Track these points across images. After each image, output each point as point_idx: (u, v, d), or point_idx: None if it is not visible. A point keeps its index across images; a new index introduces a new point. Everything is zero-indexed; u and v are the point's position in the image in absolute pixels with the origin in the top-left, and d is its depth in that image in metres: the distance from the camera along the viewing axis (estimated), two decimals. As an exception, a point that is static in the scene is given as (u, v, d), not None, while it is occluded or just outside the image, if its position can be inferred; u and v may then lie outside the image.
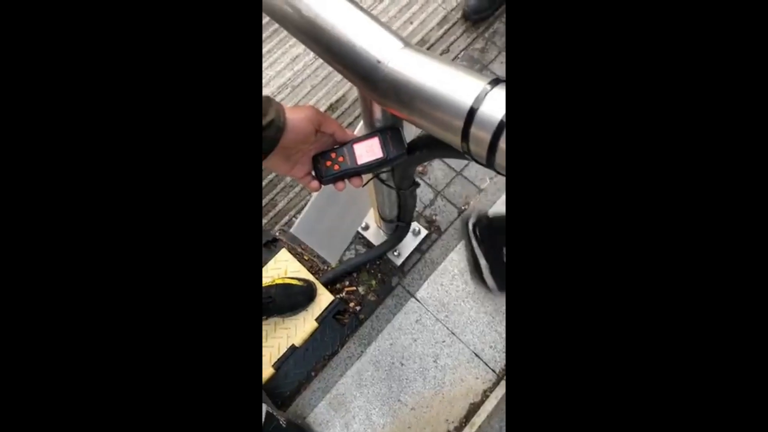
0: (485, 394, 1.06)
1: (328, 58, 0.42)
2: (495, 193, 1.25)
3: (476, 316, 1.12)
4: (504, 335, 1.10)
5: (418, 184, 0.73)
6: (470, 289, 1.14)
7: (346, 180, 0.47)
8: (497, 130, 0.31)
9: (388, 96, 0.38)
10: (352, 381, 1.08)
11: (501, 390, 1.05)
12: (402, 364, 1.09)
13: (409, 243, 1.21)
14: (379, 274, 1.20)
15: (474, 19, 1.43)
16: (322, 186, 0.48)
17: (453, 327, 1.12)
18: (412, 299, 1.15)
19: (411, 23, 1.49)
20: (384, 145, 0.46)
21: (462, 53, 1.43)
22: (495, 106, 0.31)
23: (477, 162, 0.36)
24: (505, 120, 0.30)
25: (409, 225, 1.04)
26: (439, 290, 1.15)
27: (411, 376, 1.08)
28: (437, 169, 1.30)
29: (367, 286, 1.19)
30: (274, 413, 0.96)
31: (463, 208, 1.26)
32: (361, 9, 0.40)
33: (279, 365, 1.07)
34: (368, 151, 0.46)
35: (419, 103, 0.36)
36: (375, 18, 0.40)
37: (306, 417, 1.05)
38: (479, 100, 0.32)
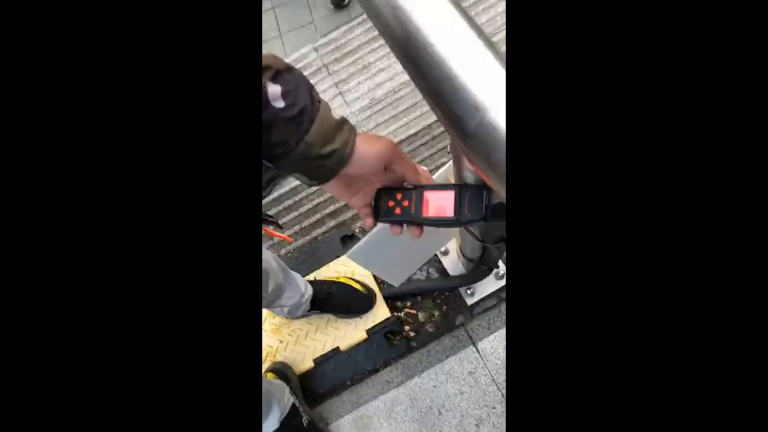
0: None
1: (421, 85, 0.33)
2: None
3: (541, 394, 0.95)
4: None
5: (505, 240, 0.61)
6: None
7: (405, 225, 0.41)
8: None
9: (479, 153, 0.29)
10: (384, 407, 1.01)
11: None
12: (440, 413, 0.98)
13: (489, 284, 1.07)
14: (444, 307, 1.09)
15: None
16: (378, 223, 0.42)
17: (509, 395, 0.96)
18: (472, 347, 1.02)
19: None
20: (458, 204, 0.38)
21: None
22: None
23: None
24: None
25: (491, 271, 0.91)
26: (503, 348, 1.00)
27: (446, 430, 0.96)
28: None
29: (429, 315, 1.09)
30: (300, 409, 0.94)
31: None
32: (477, 30, 0.31)
33: (319, 362, 1.06)
34: (438, 205, 0.38)
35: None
36: (491, 45, 0.30)
37: (330, 424, 1.02)
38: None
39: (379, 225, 0.56)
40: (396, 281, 0.87)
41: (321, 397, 1.06)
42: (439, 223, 0.38)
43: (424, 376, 1.02)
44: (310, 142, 0.34)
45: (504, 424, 0.94)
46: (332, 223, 1.24)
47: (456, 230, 0.84)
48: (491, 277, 1.07)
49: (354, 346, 1.06)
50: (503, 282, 1.06)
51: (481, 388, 0.98)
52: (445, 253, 1.10)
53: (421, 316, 1.10)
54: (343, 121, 0.36)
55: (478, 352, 1.01)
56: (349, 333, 1.07)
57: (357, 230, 1.21)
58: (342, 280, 1.08)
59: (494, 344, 1.01)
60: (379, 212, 0.41)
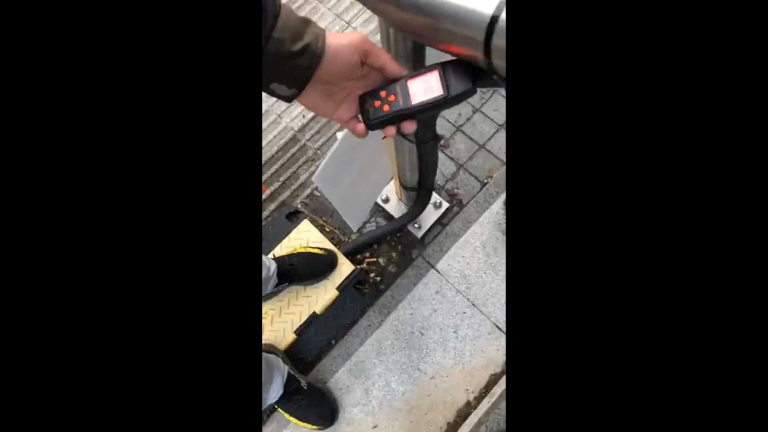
0: (506, 366, 1.04)
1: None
2: (519, 166, 1.21)
3: (498, 288, 1.10)
4: (526, 308, 1.08)
5: (440, 138, 0.71)
6: (492, 261, 1.12)
7: (398, 125, 0.39)
8: (488, 28, 0.29)
9: (407, 17, 0.37)
10: (372, 349, 1.08)
11: (522, 362, 1.02)
12: (422, 334, 1.08)
13: (430, 216, 1.19)
14: (399, 246, 1.19)
15: None
16: (369, 131, 0.40)
17: (474, 299, 1.10)
18: (433, 270, 1.13)
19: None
20: (445, 80, 0.36)
21: None
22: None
23: (503, 79, 0.35)
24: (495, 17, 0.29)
25: (430, 193, 1.03)
26: (459, 262, 1.13)
27: (431, 345, 1.07)
28: (459, 143, 1.28)
29: (388, 258, 1.18)
30: (296, 375, 0.97)
31: (485, 181, 1.23)
32: None
33: (300, 332, 1.09)
34: (425, 88, 0.37)
35: (437, 20, 0.35)
36: None
37: (327, 382, 1.06)
38: (500, 8, 0.31)
39: (337, 142, 0.62)
40: (354, 222, 0.94)
41: (311, 363, 1.09)
42: (431, 105, 0.37)
43: (399, 309, 1.11)
44: (279, 38, 0.33)
45: (478, 323, 1.08)
46: (272, 206, 1.26)
47: (394, 165, 0.93)
48: (431, 209, 1.20)
49: (329, 306, 1.11)
50: (442, 210, 1.19)
51: (450, 301, 1.10)
52: (386, 200, 1.20)
53: (381, 261, 1.18)
54: (309, 20, 0.35)
55: (439, 272, 1.13)
56: (321, 296, 1.11)
57: (299, 205, 1.25)
58: (300, 250, 1.12)
59: (449, 262, 1.14)
60: (368, 116, 0.39)
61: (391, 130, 0.39)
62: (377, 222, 1.22)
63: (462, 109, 1.30)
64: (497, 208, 1.17)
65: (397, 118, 0.38)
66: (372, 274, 1.17)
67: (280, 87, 0.35)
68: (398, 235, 1.19)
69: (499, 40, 0.31)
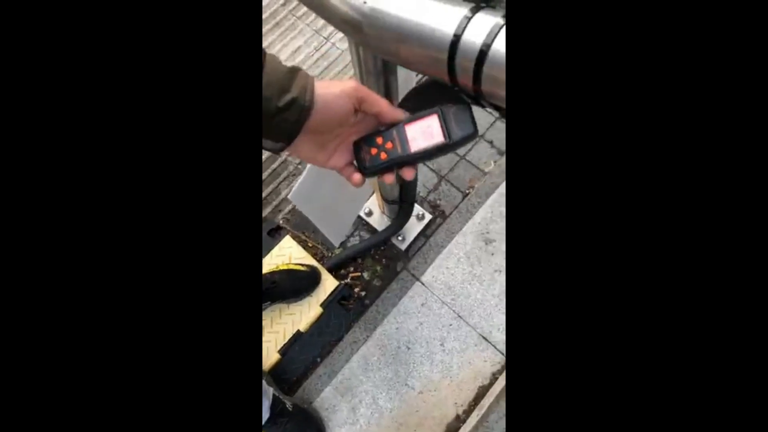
0: (494, 377, 1.03)
1: (312, 5, 0.40)
2: (499, 176, 1.22)
3: (483, 298, 1.10)
4: (512, 317, 1.08)
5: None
6: (476, 271, 1.12)
7: (396, 171, 0.37)
8: (479, 57, 0.29)
9: (375, 38, 0.37)
10: (358, 365, 1.06)
11: (510, 372, 1.02)
12: (408, 348, 1.07)
13: (414, 227, 1.19)
14: (383, 260, 1.18)
15: None
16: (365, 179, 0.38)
17: (459, 310, 1.09)
18: (418, 283, 1.13)
19: None
20: (445, 125, 0.34)
21: None
22: (476, 32, 0.30)
23: (470, 98, 0.35)
24: (487, 46, 0.29)
25: (412, 206, 1.02)
26: (444, 273, 1.13)
27: (418, 359, 1.06)
28: (440, 154, 1.29)
29: (372, 272, 1.17)
30: (281, 397, 0.95)
31: (467, 191, 1.24)
32: None
33: (285, 351, 1.06)
34: (425, 133, 0.34)
35: (403, 42, 0.35)
36: None
37: (312, 402, 1.03)
38: (460, 28, 0.31)
39: (309, 164, 0.61)
40: (335, 237, 0.93)
41: (296, 383, 1.06)
42: (432, 152, 0.35)
43: (384, 323, 1.09)
44: (264, 96, 0.31)
45: (465, 334, 1.07)
46: (254, 222, 1.24)
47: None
48: (414, 221, 1.19)
49: (314, 323, 1.09)
50: (425, 222, 1.19)
51: (435, 313, 1.09)
52: (369, 214, 1.19)
53: (366, 275, 1.17)
54: (296, 68, 0.33)
55: (424, 285, 1.12)
56: (304, 313, 1.09)
57: (281, 221, 1.23)
58: (282, 267, 1.10)
59: (434, 273, 1.13)
60: (364, 164, 0.36)
61: (390, 177, 0.37)
62: (361, 236, 1.21)
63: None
64: (479, 218, 1.18)
65: (395, 164, 0.36)
66: (356, 289, 1.15)
67: (266, 141, 0.34)
68: (382, 248, 1.18)
69: (462, 60, 0.31)
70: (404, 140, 0.35)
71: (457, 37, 0.31)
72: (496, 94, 0.31)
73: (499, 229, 1.14)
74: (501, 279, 1.11)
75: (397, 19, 0.34)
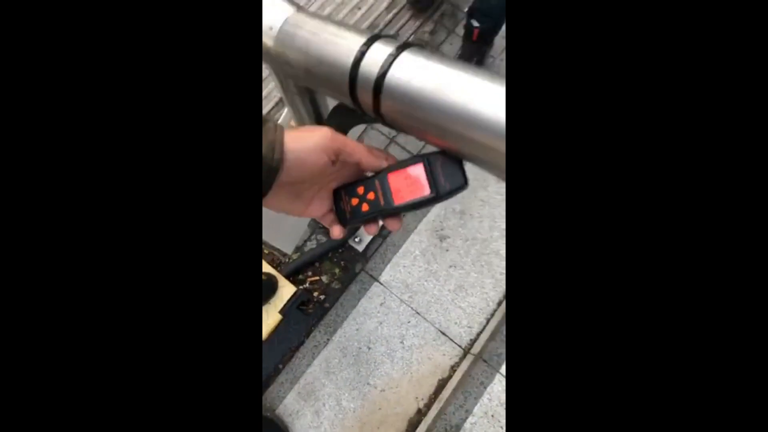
0: (452, 369, 1.06)
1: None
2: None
3: (439, 294, 1.13)
4: (467, 310, 1.11)
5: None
6: (432, 268, 1.15)
7: (380, 221, 0.34)
8: (377, 84, 0.30)
9: (283, 64, 0.37)
10: (320, 369, 1.07)
11: (467, 363, 1.06)
12: (369, 348, 1.08)
13: (370, 228, 1.20)
14: (342, 262, 1.18)
15: (418, 7, 1.42)
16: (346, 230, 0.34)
17: (417, 307, 1.12)
18: (376, 283, 1.14)
19: (359, 8, 1.46)
20: (431, 176, 0.31)
21: (412, 36, 1.42)
22: (371, 62, 0.30)
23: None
24: (383, 74, 0.29)
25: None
26: (401, 272, 1.15)
27: (379, 358, 1.07)
28: (394, 152, 1.30)
29: (331, 275, 1.17)
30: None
31: (421, 189, 1.26)
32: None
33: (245, 361, 1.05)
34: (409, 185, 0.32)
35: (311, 71, 0.35)
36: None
37: (275, 409, 1.03)
38: (359, 58, 0.31)
39: None
40: (287, 246, 0.92)
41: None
42: (418, 204, 0.32)
43: (344, 325, 1.10)
44: None
45: (423, 330, 1.09)
46: (208, 232, 1.21)
47: None
48: (370, 222, 1.20)
49: (273, 331, 1.08)
50: (381, 222, 1.20)
51: (394, 312, 1.11)
52: (325, 217, 1.19)
53: (324, 278, 1.17)
54: (265, 119, 0.29)
55: (382, 284, 1.14)
56: (263, 322, 1.08)
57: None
58: (238, 276, 1.08)
59: (391, 273, 1.15)
60: (344, 216, 0.33)
61: (374, 228, 0.34)
62: (318, 239, 1.20)
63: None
64: (433, 215, 1.20)
65: (378, 217, 0.33)
66: (316, 293, 1.15)
67: None
68: (340, 251, 1.19)
69: (361, 90, 0.31)
70: (387, 191, 0.33)
71: (355, 70, 0.31)
72: (398, 122, 0.32)
73: (452, 225, 1.17)
74: (456, 274, 1.14)
75: (300, 52, 0.34)
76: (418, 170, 0.32)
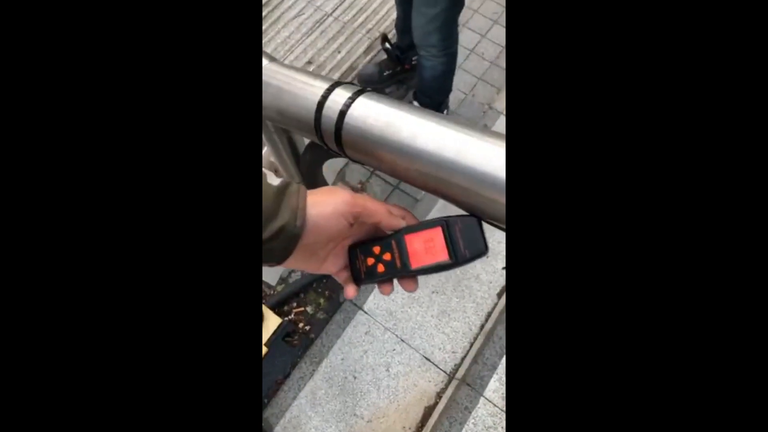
0: (438, 396, 1.06)
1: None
2: (429, 202, 1.30)
3: (423, 320, 1.14)
4: (451, 335, 1.13)
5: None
6: (415, 295, 1.17)
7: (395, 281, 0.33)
8: (338, 124, 0.34)
9: (262, 108, 0.41)
10: (306, 401, 1.05)
11: (452, 389, 1.06)
12: (355, 377, 1.08)
13: (354, 258, 1.22)
14: (326, 292, 1.20)
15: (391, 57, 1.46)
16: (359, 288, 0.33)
17: (402, 334, 1.13)
18: (360, 312, 1.15)
19: (339, 52, 1.56)
20: (450, 242, 0.30)
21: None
22: (333, 104, 0.35)
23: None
24: (342, 114, 0.34)
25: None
26: (385, 300, 1.16)
27: (365, 388, 1.07)
28: (375, 185, 1.34)
29: (316, 305, 1.18)
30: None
31: (402, 218, 1.30)
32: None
33: (230, 396, 1.04)
34: (428, 248, 0.31)
35: (284, 113, 0.39)
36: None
37: (261, 446, 1.01)
38: (322, 102, 0.36)
39: None
40: (271, 277, 0.94)
41: (244, 428, 1.04)
42: (435, 269, 0.31)
43: (330, 356, 1.10)
44: None
45: (408, 357, 1.10)
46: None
47: None
48: (354, 251, 1.23)
49: (258, 364, 1.08)
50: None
51: (380, 340, 1.12)
52: (309, 248, 1.22)
53: (309, 309, 1.18)
54: (284, 186, 0.29)
55: (366, 313, 1.15)
56: (248, 355, 1.07)
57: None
58: (222, 310, 1.09)
59: (376, 301, 1.16)
60: (359, 275, 0.32)
61: (389, 288, 0.33)
62: (302, 271, 1.22)
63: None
64: (414, 243, 1.24)
65: (394, 278, 0.32)
66: (301, 324, 1.15)
67: None
68: (324, 281, 1.20)
69: (325, 129, 0.36)
70: (404, 254, 0.31)
71: (319, 112, 0.36)
72: (357, 156, 0.36)
73: (433, 252, 1.21)
74: (438, 300, 1.16)
75: (274, 98, 0.39)
76: (435, 234, 0.31)
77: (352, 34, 1.59)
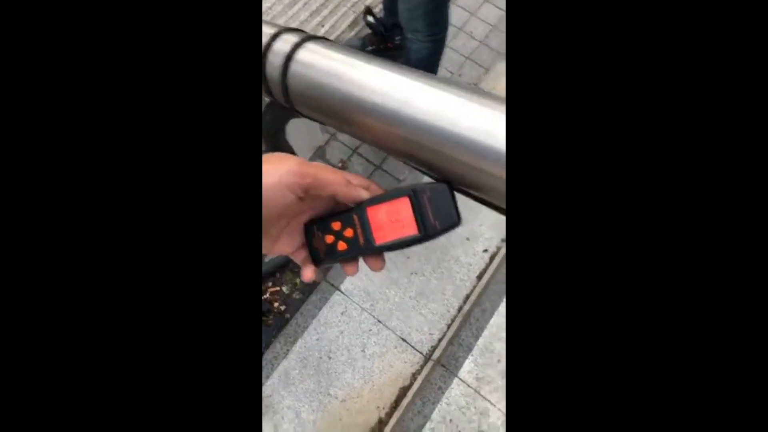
0: (414, 377, 1.06)
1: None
2: (412, 182, 1.27)
3: (401, 301, 1.13)
4: (428, 317, 1.12)
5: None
6: (393, 275, 1.15)
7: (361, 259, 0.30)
8: (282, 71, 0.31)
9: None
10: (279, 381, 1.04)
11: (428, 370, 1.05)
12: (330, 358, 1.07)
13: (332, 237, 1.20)
14: (303, 272, 1.18)
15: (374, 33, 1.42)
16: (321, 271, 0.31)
17: (379, 315, 1.11)
18: (337, 292, 1.13)
19: (323, 26, 1.51)
20: (419, 213, 0.27)
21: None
22: (278, 50, 0.32)
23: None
24: (288, 59, 0.31)
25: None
26: (363, 280, 1.14)
27: (340, 368, 1.06)
28: (357, 164, 1.31)
29: (292, 285, 1.16)
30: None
31: (383, 199, 1.27)
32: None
33: (201, 375, 1.02)
34: (393, 221, 0.28)
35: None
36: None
37: (232, 425, 0.99)
38: (267, 48, 0.33)
39: None
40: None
41: (215, 407, 1.02)
42: (403, 244, 0.28)
43: (305, 335, 1.08)
44: None
45: (384, 338, 1.09)
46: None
47: None
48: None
49: (231, 343, 1.05)
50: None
51: (356, 321, 1.11)
52: (287, 227, 1.19)
53: (285, 289, 1.15)
54: None
55: (343, 293, 1.13)
56: (221, 334, 1.05)
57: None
58: (194, 288, 1.06)
59: (353, 282, 1.14)
60: (318, 255, 0.29)
61: (353, 268, 0.29)
62: (279, 249, 1.19)
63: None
64: (395, 224, 1.22)
65: (357, 257, 0.29)
66: (276, 304, 1.13)
67: None
68: (301, 260, 1.18)
69: (271, 77, 0.33)
70: (367, 229, 0.28)
71: (265, 57, 0.32)
72: (304, 109, 0.33)
73: (413, 233, 1.19)
74: (417, 281, 1.15)
75: None
76: (402, 205, 0.28)
77: (337, 7, 1.53)
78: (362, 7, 1.50)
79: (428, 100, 0.26)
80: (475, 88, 0.27)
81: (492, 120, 0.24)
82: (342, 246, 0.28)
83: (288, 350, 1.06)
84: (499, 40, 1.51)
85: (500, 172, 0.23)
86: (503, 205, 0.25)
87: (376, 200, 0.28)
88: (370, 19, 1.35)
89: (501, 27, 1.52)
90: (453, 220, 0.27)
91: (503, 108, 0.24)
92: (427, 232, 0.27)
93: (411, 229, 0.27)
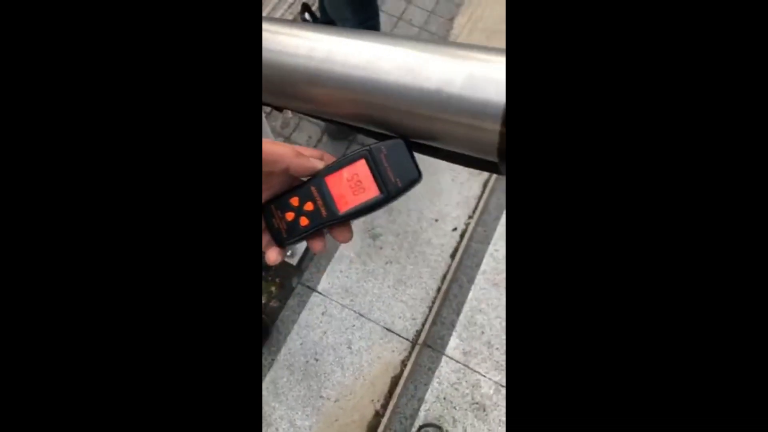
0: (403, 364, 1.06)
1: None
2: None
3: (380, 292, 1.13)
4: (409, 303, 1.12)
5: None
6: (369, 268, 1.15)
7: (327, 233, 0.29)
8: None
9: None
10: (268, 392, 1.01)
11: (415, 354, 1.06)
12: (317, 360, 1.05)
13: (302, 240, 1.18)
14: (277, 279, 1.14)
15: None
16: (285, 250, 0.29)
17: (360, 309, 1.11)
18: (315, 293, 1.11)
19: (260, 29, 1.47)
20: (378, 173, 0.26)
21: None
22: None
23: None
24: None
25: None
26: (339, 277, 1.13)
27: (328, 368, 1.04)
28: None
29: (268, 294, 1.13)
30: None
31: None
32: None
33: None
34: (354, 187, 0.27)
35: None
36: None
37: (225, 447, 0.95)
38: None
39: None
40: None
41: None
42: (368, 209, 0.27)
43: (288, 342, 1.06)
44: None
45: (369, 331, 1.08)
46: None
47: None
48: (301, 233, 1.18)
49: (211, 364, 1.01)
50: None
51: (337, 319, 1.09)
52: (253, 236, 1.15)
53: (262, 299, 1.12)
54: None
55: (321, 293, 1.11)
56: (199, 356, 1.00)
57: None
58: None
59: (330, 280, 1.13)
60: (280, 235, 0.28)
61: (320, 243, 0.28)
62: (248, 260, 1.15)
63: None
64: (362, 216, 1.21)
65: (321, 230, 0.28)
66: (253, 315, 1.10)
67: None
68: (273, 268, 1.15)
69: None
70: (328, 198, 0.27)
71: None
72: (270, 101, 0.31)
73: (383, 222, 1.19)
74: (393, 269, 1.15)
75: None
76: (360, 168, 0.27)
77: (274, 9, 1.50)
78: (298, 8, 1.48)
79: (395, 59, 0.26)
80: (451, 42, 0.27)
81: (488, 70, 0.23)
82: (304, 221, 0.27)
83: (273, 360, 1.03)
84: (438, 24, 1.54)
85: (494, 125, 0.22)
86: (492, 158, 0.24)
87: (332, 168, 0.27)
88: (307, 16, 1.34)
89: (438, 12, 1.55)
90: (413, 175, 0.26)
91: (501, 59, 0.23)
92: (389, 192, 0.26)
93: (373, 191, 0.27)
